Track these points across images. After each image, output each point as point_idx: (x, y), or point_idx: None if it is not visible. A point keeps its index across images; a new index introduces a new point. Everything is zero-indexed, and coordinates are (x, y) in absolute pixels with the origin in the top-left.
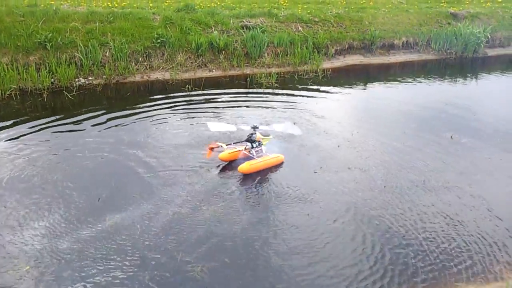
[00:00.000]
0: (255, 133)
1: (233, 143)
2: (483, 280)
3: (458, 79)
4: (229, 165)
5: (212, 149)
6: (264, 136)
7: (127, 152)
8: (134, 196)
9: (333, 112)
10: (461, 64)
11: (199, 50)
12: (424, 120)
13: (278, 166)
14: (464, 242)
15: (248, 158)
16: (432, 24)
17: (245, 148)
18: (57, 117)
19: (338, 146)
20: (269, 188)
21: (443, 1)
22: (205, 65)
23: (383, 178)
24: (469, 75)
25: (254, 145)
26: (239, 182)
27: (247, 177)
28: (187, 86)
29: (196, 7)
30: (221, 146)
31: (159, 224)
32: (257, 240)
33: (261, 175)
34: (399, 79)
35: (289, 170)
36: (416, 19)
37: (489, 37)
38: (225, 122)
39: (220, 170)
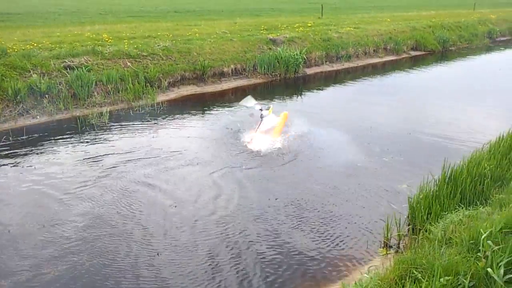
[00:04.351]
0: (263, 111)
1: (257, 128)
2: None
3: (285, 98)
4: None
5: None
6: (267, 109)
7: None
8: None
9: (170, 142)
10: (285, 84)
11: (18, 97)
12: None
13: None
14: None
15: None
16: (255, 50)
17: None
18: None
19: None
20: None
21: (262, 28)
22: (27, 112)
23: (235, 202)
24: (294, 93)
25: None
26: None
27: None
28: (7, 137)
29: (8, 51)
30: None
31: None
32: None
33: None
34: (232, 104)
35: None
36: (241, 47)
37: (306, 58)
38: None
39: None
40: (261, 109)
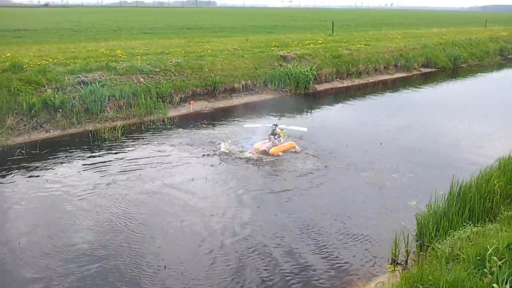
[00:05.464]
0: (276, 129)
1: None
2: None
3: (295, 114)
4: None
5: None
6: (281, 130)
7: None
8: None
9: (181, 157)
10: (295, 100)
11: (32, 111)
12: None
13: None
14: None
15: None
16: (266, 66)
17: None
18: None
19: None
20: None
21: (273, 45)
22: (41, 126)
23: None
24: (304, 110)
25: (276, 137)
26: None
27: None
28: (20, 151)
29: (24, 66)
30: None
31: None
32: None
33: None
34: (243, 119)
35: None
36: (252, 63)
37: (316, 74)
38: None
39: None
40: (275, 124)
